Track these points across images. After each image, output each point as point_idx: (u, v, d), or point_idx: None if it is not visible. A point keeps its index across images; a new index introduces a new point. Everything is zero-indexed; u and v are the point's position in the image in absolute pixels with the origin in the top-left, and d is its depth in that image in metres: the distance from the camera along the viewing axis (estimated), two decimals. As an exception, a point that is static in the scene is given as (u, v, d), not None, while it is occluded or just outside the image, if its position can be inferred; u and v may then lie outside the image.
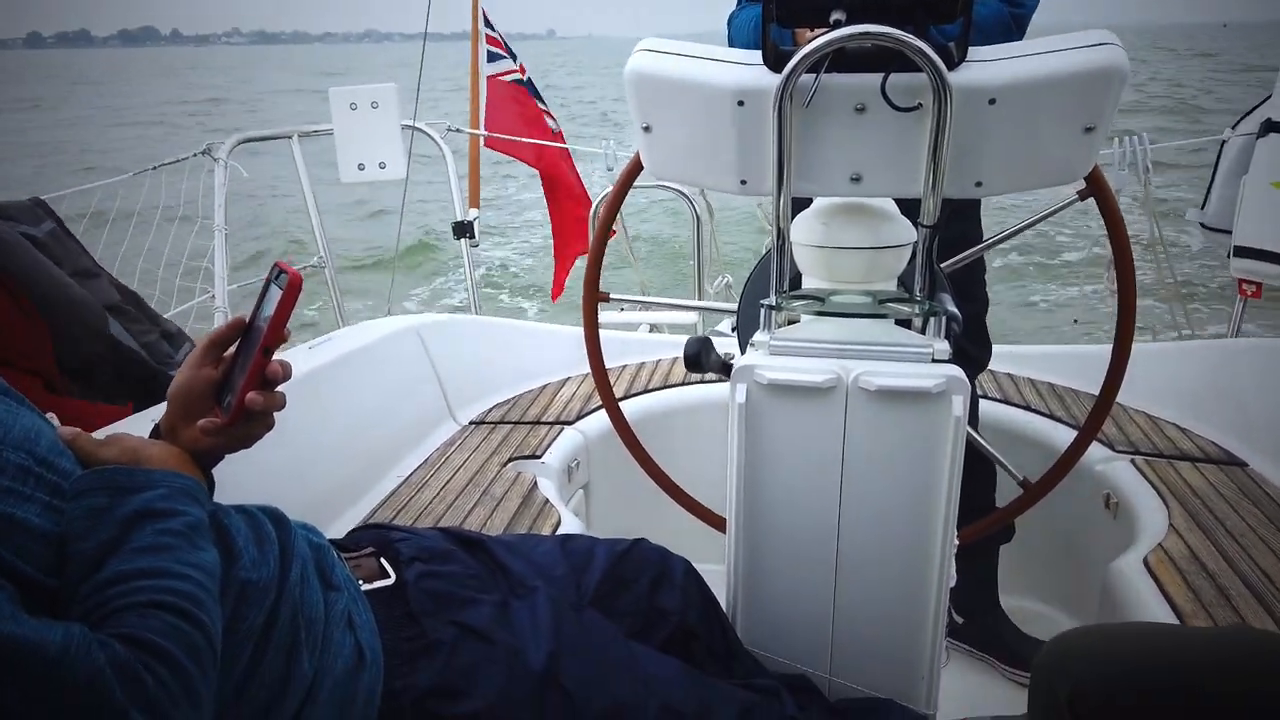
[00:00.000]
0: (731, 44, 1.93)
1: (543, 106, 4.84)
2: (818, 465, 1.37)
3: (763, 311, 1.42)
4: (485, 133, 4.29)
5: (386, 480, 2.20)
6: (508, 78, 4.77)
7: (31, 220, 2.31)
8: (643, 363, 2.87)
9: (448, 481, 2.17)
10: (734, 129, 1.33)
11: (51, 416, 1.63)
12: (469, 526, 1.94)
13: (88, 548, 0.84)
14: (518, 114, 4.66)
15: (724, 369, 1.51)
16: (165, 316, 2.92)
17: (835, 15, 1.22)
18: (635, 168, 1.67)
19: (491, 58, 4.63)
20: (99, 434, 1.73)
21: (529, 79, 4.82)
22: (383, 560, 1.18)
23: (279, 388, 1.02)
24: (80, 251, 2.38)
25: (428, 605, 1.11)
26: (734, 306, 1.92)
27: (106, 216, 2.94)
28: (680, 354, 2.88)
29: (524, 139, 4.33)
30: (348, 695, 0.99)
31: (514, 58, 4.73)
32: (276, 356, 1.01)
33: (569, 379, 2.83)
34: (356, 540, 1.26)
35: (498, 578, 1.23)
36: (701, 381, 2.67)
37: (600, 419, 2.52)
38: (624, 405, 1.89)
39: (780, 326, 1.44)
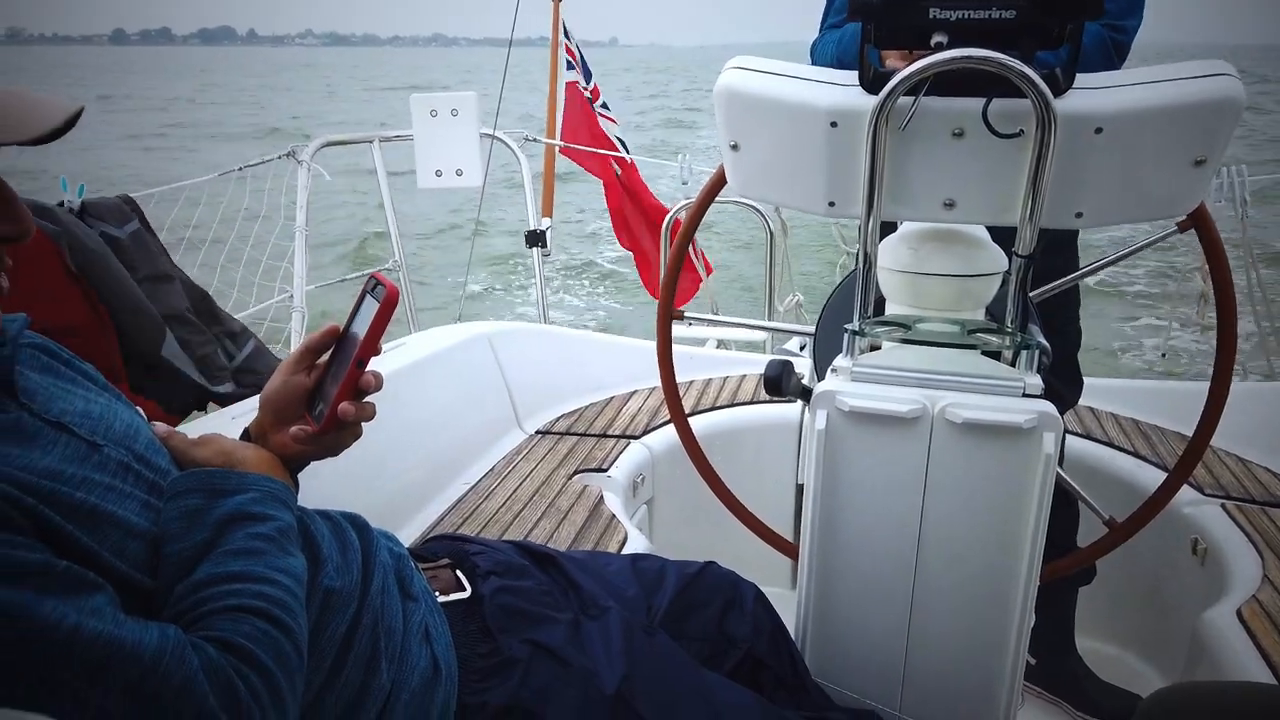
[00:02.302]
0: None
1: (607, 115, 4.86)
2: (898, 496, 1.33)
3: (845, 336, 1.39)
4: (561, 143, 4.31)
5: (454, 487, 2.21)
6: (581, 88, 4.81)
7: (118, 219, 2.39)
8: (709, 379, 2.85)
9: (514, 491, 2.18)
10: (825, 150, 1.30)
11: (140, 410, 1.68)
12: (536, 538, 1.93)
13: (183, 548, 0.84)
14: (586, 127, 4.69)
15: (804, 394, 1.49)
16: (244, 314, 2.99)
17: (937, 38, 1.20)
18: (718, 183, 1.65)
19: (570, 65, 4.67)
20: (185, 427, 1.78)
21: (602, 103, 4.84)
22: (458, 572, 1.18)
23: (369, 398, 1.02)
24: (159, 253, 2.46)
25: (503, 621, 1.10)
26: (809, 328, 1.89)
27: (193, 215, 3.02)
28: (748, 372, 2.89)
29: (598, 150, 4.35)
30: (422, 709, 0.99)
31: (587, 77, 4.76)
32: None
33: (635, 392, 2.82)
34: (432, 551, 1.26)
35: (570, 595, 1.22)
36: (770, 401, 2.64)
37: (666, 434, 2.50)
38: (691, 421, 1.88)
39: (862, 352, 1.40)
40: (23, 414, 0.85)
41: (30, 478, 0.78)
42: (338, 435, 1.01)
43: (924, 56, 1.19)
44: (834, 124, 1.28)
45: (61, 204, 2.29)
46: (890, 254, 1.44)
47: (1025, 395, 1.28)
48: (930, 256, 1.41)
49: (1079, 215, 1.29)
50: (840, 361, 1.38)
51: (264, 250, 3.18)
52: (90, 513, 0.81)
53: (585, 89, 4.78)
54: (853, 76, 1.29)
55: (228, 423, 1.80)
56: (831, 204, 1.36)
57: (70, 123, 0.81)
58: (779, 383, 1.47)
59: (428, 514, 2.08)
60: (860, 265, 1.39)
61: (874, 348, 1.45)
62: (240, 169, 3.12)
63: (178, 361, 2.36)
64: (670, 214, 3.68)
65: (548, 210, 4.12)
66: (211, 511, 0.87)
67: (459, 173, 3.47)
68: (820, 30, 1.93)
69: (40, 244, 2.03)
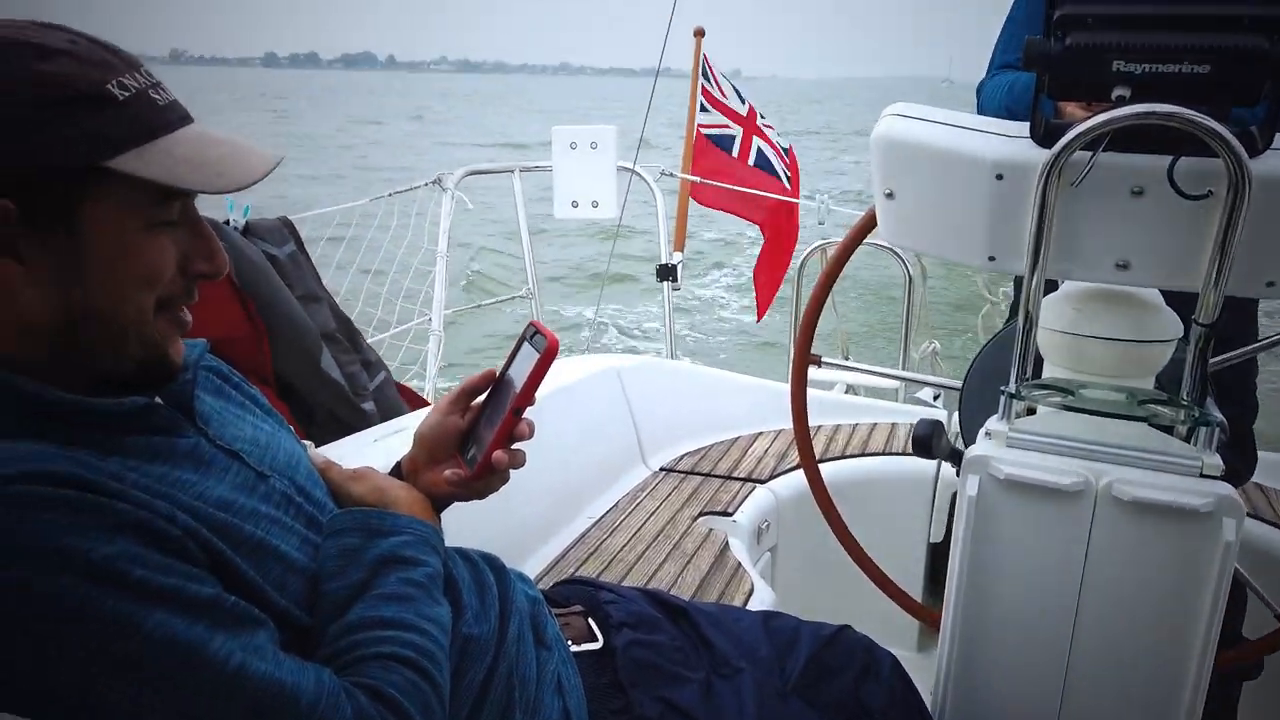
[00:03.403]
0: (981, 111, 1.83)
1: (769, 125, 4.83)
2: (1054, 574, 1.25)
3: (1001, 399, 1.32)
4: (696, 178, 4.32)
5: (578, 521, 2.21)
6: (712, 132, 4.78)
7: (278, 240, 2.50)
8: (838, 425, 2.78)
9: (639, 529, 2.16)
10: (988, 203, 1.25)
11: (289, 429, 1.74)
12: (660, 580, 1.91)
13: (338, 588, 0.86)
14: (713, 168, 4.66)
15: (953, 456, 1.42)
16: (384, 335, 3.09)
17: (1119, 91, 1.13)
18: (866, 227, 1.61)
19: (703, 108, 4.67)
20: (327, 447, 1.84)
21: (756, 146, 4.80)
22: (591, 621, 1.17)
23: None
24: (311, 275, 2.55)
25: (635, 676, 1.08)
26: (949, 382, 1.81)
27: (345, 236, 3.14)
28: (879, 420, 2.81)
29: (731, 186, 4.31)
30: None
31: (739, 103, 4.73)
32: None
33: (761, 434, 2.77)
34: (565, 595, 1.25)
35: (701, 652, 1.19)
36: (903, 454, 2.55)
37: (793, 480, 2.45)
38: (820, 469, 1.82)
39: (1018, 416, 1.33)
40: (200, 440, 0.87)
41: (205, 508, 0.80)
42: (487, 480, 1.02)
43: (1104, 108, 1.13)
44: (999, 176, 1.22)
45: (228, 222, 2.42)
46: (1052, 313, 1.36)
47: (1203, 475, 1.19)
48: (1097, 318, 1.33)
49: (1270, 285, 1.19)
50: (994, 425, 1.31)
51: (407, 274, 3.29)
52: (257, 546, 0.82)
53: (728, 124, 4.73)
54: (1021, 128, 1.23)
55: (370, 444, 1.85)
56: (992, 258, 1.30)
57: (268, 172, 0.84)
58: (928, 443, 1.40)
59: (552, 547, 2.08)
60: (1020, 323, 1.32)
61: (1030, 411, 1.37)
62: (389, 195, 3.24)
63: (334, 374, 2.45)
64: (805, 253, 3.62)
65: (679, 244, 4.13)
66: (367, 551, 0.89)
67: (595, 204, 3.50)
68: (989, 70, 1.86)
69: None
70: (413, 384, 2.95)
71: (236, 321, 2.21)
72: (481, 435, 1.01)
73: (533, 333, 0.99)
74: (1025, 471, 1.23)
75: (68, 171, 0.75)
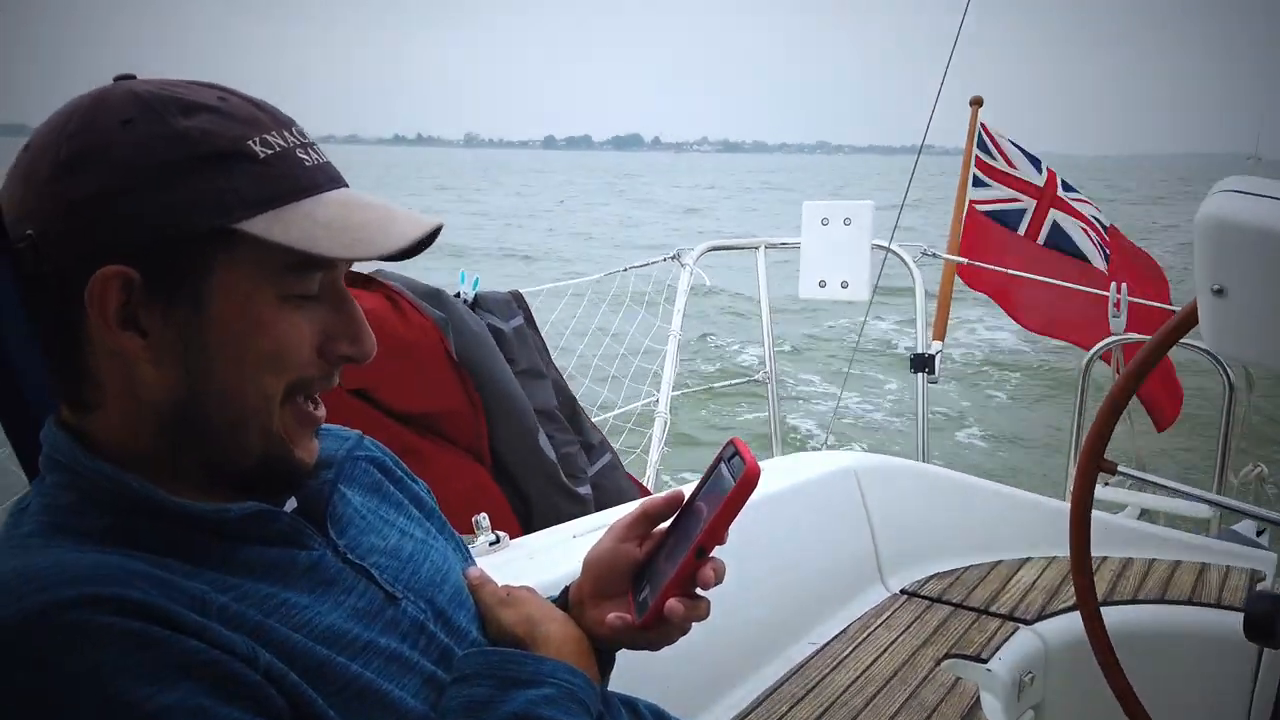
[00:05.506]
0: None
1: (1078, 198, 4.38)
2: None
3: None
4: (963, 259, 3.94)
5: (798, 646, 1.92)
6: (989, 208, 4.37)
7: (505, 313, 2.44)
8: (1129, 559, 2.30)
9: (869, 666, 1.83)
10: None
11: (483, 519, 1.60)
12: (889, 741, 1.58)
13: None
14: (989, 248, 4.25)
15: None
16: (610, 415, 2.96)
17: None
18: (1181, 328, 1.29)
19: (977, 183, 4.28)
20: (523, 540, 1.69)
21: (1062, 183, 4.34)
22: None
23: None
24: (537, 349, 2.48)
25: None
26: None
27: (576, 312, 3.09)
28: (1183, 558, 2.29)
29: (1008, 270, 3.87)
30: None
31: (1034, 172, 4.30)
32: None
33: (1029, 560, 2.34)
34: None
35: None
36: (1215, 605, 2.04)
37: (1067, 625, 2.02)
38: (1104, 613, 1.48)
39: None
40: (326, 553, 0.77)
41: (306, 642, 0.68)
42: (661, 631, 0.83)
43: None
44: None
45: (458, 295, 2.39)
46: None
47: None
48: None
49: None
50: None
51: (638, 351, 3.18)
52: (360, 692, 0.69)
53: (1018, 196, 4.32)
54: None
55: (568, 540, 1.68)
56: None
57: (427, 241, 0.73)
58: (1270, 627, 1.01)
59: (764, 675, 1.80)
60: None
61: None
62: (625, 269, 3.17)
63: (550, 454, 2.34)
64: (1095, 348, 3.14)
65: (940, 333, 3.75)
66: (498, 707, 0.74)
67: (844, 285, 3.27)
68: None
69: (427, 331, 2.10)
70: (635, 470, 2.79)
71: (453, 395, 2.15)
72: (659, 571, 0.82)
73: (731, 453, 0.79)
74: None
75: (195, 235, 0.68)
